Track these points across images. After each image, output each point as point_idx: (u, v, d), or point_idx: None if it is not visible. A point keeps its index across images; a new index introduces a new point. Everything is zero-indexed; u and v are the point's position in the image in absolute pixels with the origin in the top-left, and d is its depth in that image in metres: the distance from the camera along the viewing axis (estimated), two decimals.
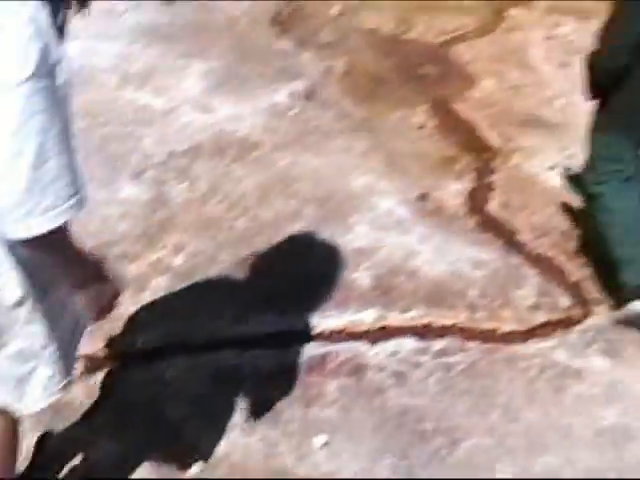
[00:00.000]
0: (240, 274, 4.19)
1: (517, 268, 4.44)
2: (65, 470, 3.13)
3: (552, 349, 3.94)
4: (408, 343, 3.86)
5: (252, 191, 4.78)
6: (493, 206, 4.95)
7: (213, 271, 4.19)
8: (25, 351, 2.21)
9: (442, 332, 3.96)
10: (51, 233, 1.81)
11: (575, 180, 4.69)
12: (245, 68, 6.15)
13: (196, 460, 3.23)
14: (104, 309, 2.21)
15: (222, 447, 3.30)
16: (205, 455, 3.26)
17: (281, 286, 4.10)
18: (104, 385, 3.54)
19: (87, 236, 2.49)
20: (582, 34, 6.06)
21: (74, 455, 3.20)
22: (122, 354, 3.69)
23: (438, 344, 3.88)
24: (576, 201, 4.71)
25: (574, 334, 4.06)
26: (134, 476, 3.15)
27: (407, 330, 3.95)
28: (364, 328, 3.93)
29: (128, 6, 6.87)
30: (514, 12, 7.52)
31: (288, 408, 3.50)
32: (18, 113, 1.67)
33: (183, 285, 4.10)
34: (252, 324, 3.89)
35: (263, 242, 4.38)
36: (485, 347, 3.89)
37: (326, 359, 3.74)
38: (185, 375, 3.61)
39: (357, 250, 4.39)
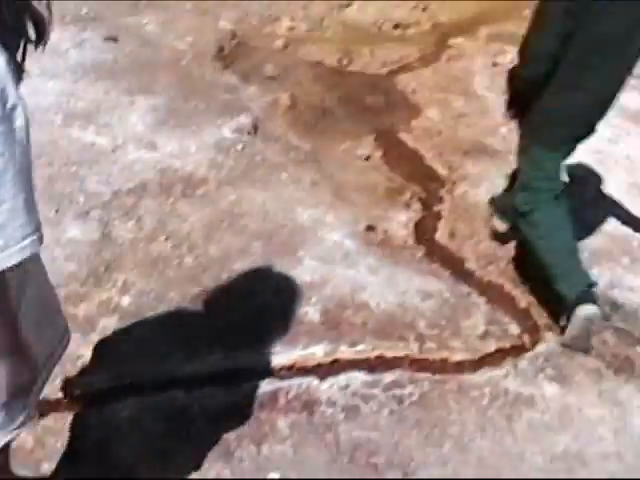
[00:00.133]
0: (188, 312, 4.16)
1: (466, 297, 4.46)
2: None
3: (503, 377, 3.96)
4: (359, 376, 3.85)
5: (199, 228, 4.76)
6: (440, 235, 4.98)
7: (161, 310, 4.15)
8: None
9: (392, 364, 3.95)
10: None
11: (500, 204, 4.76)
12: (190, 103, 6.14)
13: None
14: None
15: None
16: None
17: (230, 323, 4.07)
18: (54, 428, 3.49)
19: None
20: None
21: None
22: (72, 396, 3.64)
23: (389, 376, 3.87)
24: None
25: (524, 361, 4.09)
26: None
27: (357, 363, 3.94)
28: (314, 363, 3.91)
29: (72, 43, 6.84)
30: (457, 41, 7.61)
31: (240, 446, 3.47)
32: None
33: (132, 325, 4.06)
34: (201, 363, 3.86)
35: (211, 279, 4.36)
36: (436, 378, 3.90)
37: (277, 395, 3.71)
38: (136, 416, 3.56)
39: (305, 284, 4.38)
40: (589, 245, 5.10)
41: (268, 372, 3.84)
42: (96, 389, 3.68)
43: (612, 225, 5.36)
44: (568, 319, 4.15)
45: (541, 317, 4.41)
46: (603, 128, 6.14)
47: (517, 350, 4.17)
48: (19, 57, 1.84)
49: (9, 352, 2.11)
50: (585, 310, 4.09)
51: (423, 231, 5.00)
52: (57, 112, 5.82)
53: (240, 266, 4.47)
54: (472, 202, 5.30)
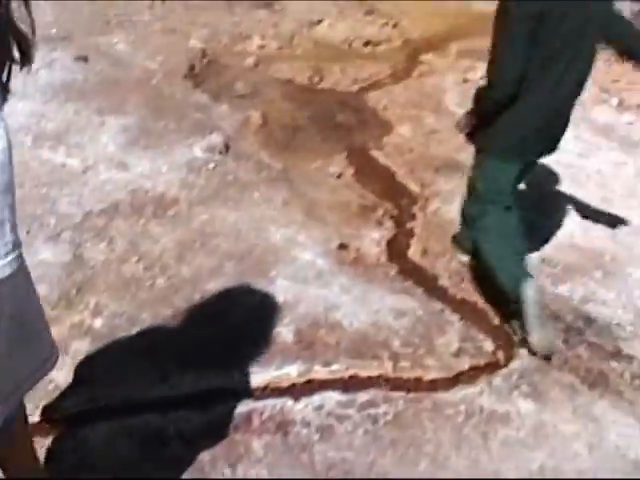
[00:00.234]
0: (161, 334, 4.13)
1: (439, 314, 4.46)
2: None
3: (477, 395, 3.95)
4: (333, 396, 3.83)
5: (171, 249, 4.73)
6: (413, 253, 4.99)
7: (134, 331, 4.12)
8: None
9: (367, 384, 3.93)
10: None
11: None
12: (161, 123, 6.12)
13: None
14: None
15: None
16: None
17: (203, 344, 4.05)
18: None
19: None
20: None
21: None
22: (45, 420, 3.60)
23: (363, 396, 3.85)
24: None
25: (499, 378, 4.08)
26: None
27: (331, 383, 3.92)
28: (288, 383, 3.89)
29: (41, 63, 6.81)
30: (428, 58, 7.64)
31: (214, 467, 3.44)
32: None
33: (104, 347, 4.03)
34: (175, 384, 3.83)
35: (183, 300, 4.33)
36: (410, 396, 3.88)
37: (251, 416, 3.69)
38: (110, 439, 3.53)
39: (279, 304, 4.36)
40: (562, 260, 5.14)
41: (242, 393, 3.81)
42: (70, 412, 3.64)
43: (584, 239, 5.39)
44: (517, 311, 4.27)
45: (515, 334, 4.41)
46: (574, 143, 6.27)
47: (491, 367, 4.16)
48: (3, 77, 1.86)
49: None
50: (528, 288, 4.19)
51: (396, 249, 5.01)
52: (27, 133, 5.78)
53: (212, 286, 4.44)
54: (444, 219, 5.31)
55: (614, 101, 7.30)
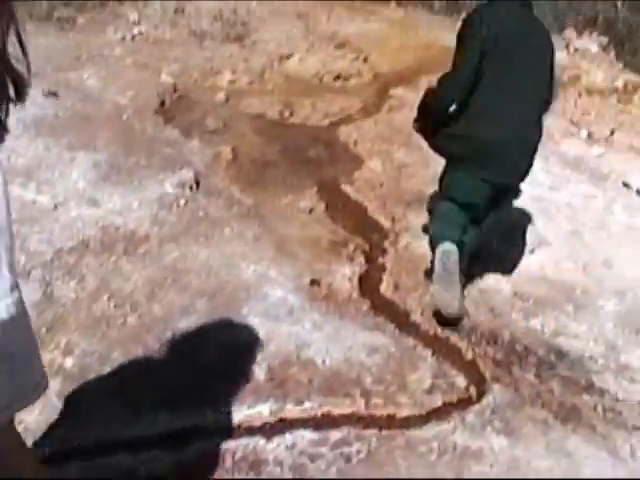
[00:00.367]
0: (133, 373, 4.10)
1: (412, 350, 4.45)
2: None
3: (450, 431, 3.94)
4: (305, 435, 3.80)
5: (142, 286, 4.71)
6: (385, 288, 4.99)
7: (105, 371, 4.08)
8: None
9: (339, 422, 3.91)
10: None
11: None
12: (132, 159, 6.10)
13: None
14: None
15: None
16: None
17: (175, 383, 4.02)
18: None
19: None
20: None
21: None
22: None
23: (336, 434, 3.83)
24: None
25: (471, 414, 4.08)
26: None
27: (304, 422, 3.89)
28: (261, 422, 3.86)
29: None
30: (398, 91, 7.68)
31: None
32: None
33: (76, 387, 3.99)
34: (147, 424, 3.79)
35: (155, 338, 4.30)
36: (383, 434, 3.86)
37: (224, 456, 3.66)
38: None
39: (250, 342, 4.34)
40: (533, 293, 5.16)
41: (214, 433, 3.78)
42: (40, 453, 3.60)
43: (555, 272, 5.42)
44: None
45: (488, 369, 4.42)
46: (544, 176, 6.32)
47: (464, 403, 4.16)
48: (1, 116, 1.85)
49: None
50: (443, 247, 4.61)
51: (367, 284, 5.01)
52: None
53: (184, 324, 4.42)
54: (416, 254, 5.32)
55: (583, 134, 7.37)
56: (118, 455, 3.64)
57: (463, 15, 4.87)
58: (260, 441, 3.76)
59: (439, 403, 4.12)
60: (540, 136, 4.69)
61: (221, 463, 3.63)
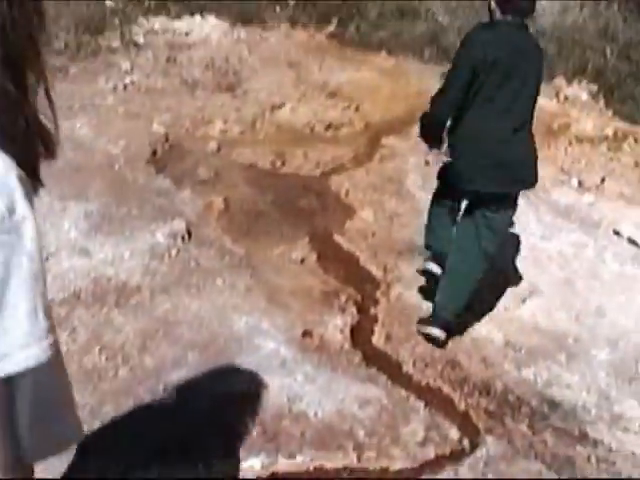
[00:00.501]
0: (124, 427, 4.08)
1: (404, 402, 4.44)
2: None
3: None
4: None
5: (133, 338, 4.69)
6: (377, 339, 4.99)
7: (96, 425, 4.06)
8: None
9: (332, 475, 3.90)
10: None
11: None
12: (123, 209, 6.09)
13: None
14: None
15: None
16: None
17: (166, 437, 3.99)
18: None
19: None
20: None
21: None
22: None
23: None
24: None
25: (465, 467, 4.06)
26: None
27: (296, 475, 3.88)
28: (252, 476, 3.84)
29: None
30: (389, 141, 7.71)
31: None
32: None
33: None
34: (138, 478, 3.77)
35: (147, 391, 4.28)
36: None
37: None
38: None
39: (242, 395, 4.32)
40: (525, 343, 5.16)
41: None
42: None
43: (547, 321, 5.42)
44: None
45: (480, 420, 4.41)
46: (535, 225, 6.33)
47: (457, 455, 4.15)
48: (31, 171, 1.85)
49: None
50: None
51: (360, 335, 5.01)
52: None
53: (176, 377, 4.40)
54: (407, 304, 5.32)
55: (574, 182, 7.39)
56: None
57: None
58: None
59: (432, 455, 4.10)
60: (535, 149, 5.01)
61: None
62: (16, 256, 1.74)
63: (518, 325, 5.36)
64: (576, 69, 9.77)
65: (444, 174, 5.16)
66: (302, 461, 3.95)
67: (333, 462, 3.96)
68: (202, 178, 6.72)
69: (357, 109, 8.34)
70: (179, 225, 5.85)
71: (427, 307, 5.29)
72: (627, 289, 5.90)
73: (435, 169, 6.58)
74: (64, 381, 2.26)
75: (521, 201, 6.33)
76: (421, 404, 4.44)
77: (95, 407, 4.17)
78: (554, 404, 4.66)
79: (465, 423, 4.38)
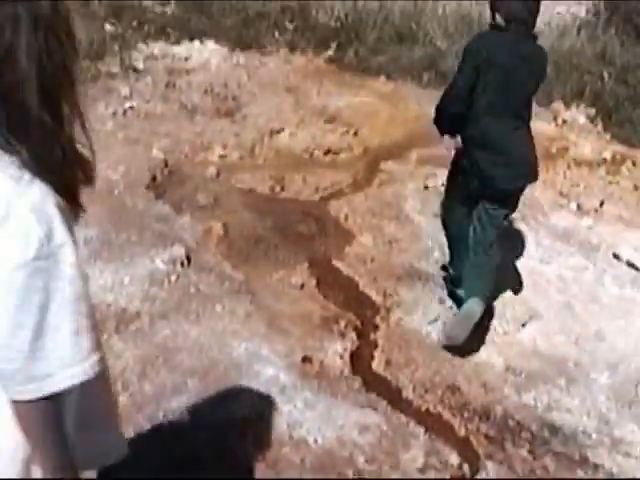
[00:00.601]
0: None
1: (404, 428, 4.43)
2: None
3: None
4: None
5: (133, 365, 4.68)
6: (377, 364, 4.99)
7: None
8: None
9: None
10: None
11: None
12: (123, 235, 6.08)
13: None
14: None
15: None
16: None
17: (166, 464, 3.99)
18: None
19: None
20: None
21: None
22: None
23: None
24: None
25: None
26: None
27: None
28: None
29: None
30: (388, 165, 7.71)
31: None
32: (20, 290, 1.86)
33: None
34: None
35: (146, 418, 4.28)
36: None
37: None
38: None
39: (242, 421, 4.31)
40: (525, 368, 5.16)
41: None
42: None
43: (546, 345, 5.42)
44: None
45: (481, 445, 4.40)
46: (534, 249, 6.33)
47: None
48: (71, 198, 2.02)
49: None
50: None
51: (359, 361, 5.00)
52: None
53: (176, 404, 4.39)
54: (407, 329, 5.32)
55: (573, 206, 7.39)
56: None
57: None
58: None
59: None
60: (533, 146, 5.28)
61: None
62: (55, 281, 1.90)
63: (518, 349, 5.36)
64: (574, 93, 9.79)
65: (457, 175, 5.40)
66: None
67: None
68: (201, 204, 6.72)
69: (356, 134, 8.35)
70: (178, 251, 5.85)
71: (427, 331, 5.30)
72: (627, 312, 5.90)
73: (433, 193, 6.67)
74: (107, 397, 2.39)
75: (520, 225, 6.38)
76: (421, 430, 4.44)
77: None
78: (554, 429, 4.66)
79: (465, 449, 4.37)
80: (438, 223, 5.83)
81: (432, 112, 5.23)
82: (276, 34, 11.00)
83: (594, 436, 4.66)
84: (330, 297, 5.61)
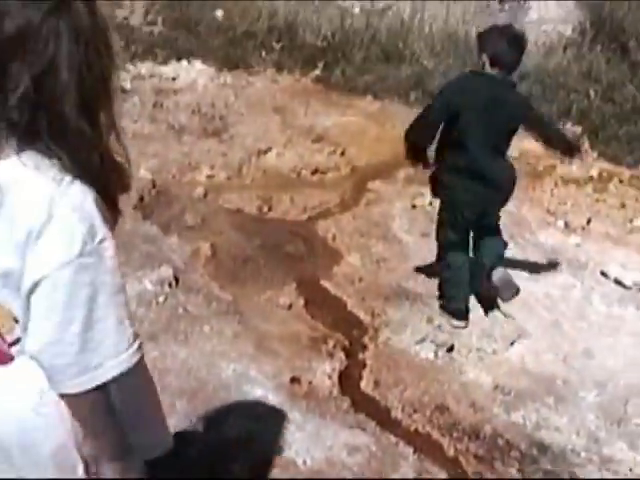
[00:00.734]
0: None
1: (393, 448, 4.42)
2: None
3: None
4: None
5: None
6: (366, 384, 4.98)
7: None
8: None
9: None
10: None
11: None
12: None
13: None
14: None
15: None
16: None
17: None
18: None
19: None
20: None
21: None
22: None
23: None
24: None
25: None
26: None
27: None
28: None
29: None
30: (375, 185, 7.74)
31: None
32: (67, 286, 1.92)
33: None
34: None
35: None
36: None
37: None
38: None
39: (231, 442, 4.30)
40: (514, 386, 5.15)
41: None
42: None
43: (535, 364, 5.42)
44: None
45: (470, 465, 4.39)
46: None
47: None
48: (110, 203, 2.07)
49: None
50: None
51: (348, 381, 4.99)
52: None
53: None
54: (395, 349, 5.32)
55: (560, 223, 7.42)
56: None
57: None
58: None
59: None
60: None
61: None
62: (100, 275, 1.97)
63: (506, 368, 5.36)
64: (560, 111, 9.84)
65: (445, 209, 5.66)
66: None
67: None
68: (189, 224, 6.72)
69: (343, 153, 8.37)
70: (166, 272, 5.83)
71: (415, 351, 5.30)
72: (614, 330, 5.91)
73: (420, 212, 6.67)
74: (150, 385, 2.43)
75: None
76: (410, 450, 4.43)
77: None
78: (543, 447, 4.65)
79: (454, 468, 4.37)
80: (426, 242, 5.86)
81: None
82: (263, 54, 11.05)
83: (583, 454, 4.66)
84: (318, 317, 5.61)
